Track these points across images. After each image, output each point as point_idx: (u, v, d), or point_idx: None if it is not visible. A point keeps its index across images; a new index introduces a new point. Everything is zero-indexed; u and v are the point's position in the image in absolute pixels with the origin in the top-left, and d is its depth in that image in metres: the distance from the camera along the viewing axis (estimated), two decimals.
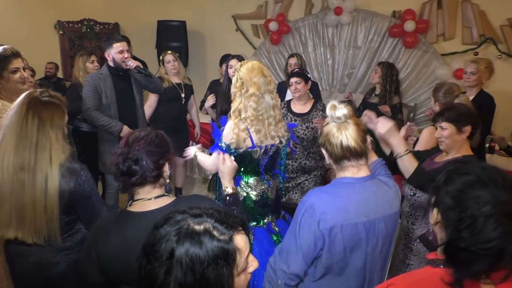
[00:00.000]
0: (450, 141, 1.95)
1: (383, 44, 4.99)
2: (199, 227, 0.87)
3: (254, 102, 2.16)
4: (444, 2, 4.68)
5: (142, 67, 3.20)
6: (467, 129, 1.93)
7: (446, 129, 1.95)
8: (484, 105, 3.15)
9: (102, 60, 5.66)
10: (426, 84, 4.86)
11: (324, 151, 1.53)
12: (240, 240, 0.91)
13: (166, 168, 1.43)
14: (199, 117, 4.27)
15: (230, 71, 3.45)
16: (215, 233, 0.87)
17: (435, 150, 2.14)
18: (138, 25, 6.23)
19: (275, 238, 2.33)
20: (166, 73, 3.87)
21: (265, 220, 2.35)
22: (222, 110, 3.47)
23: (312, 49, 5.40)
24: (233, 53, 4.54)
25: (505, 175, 0.98)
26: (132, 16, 6.29)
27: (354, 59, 5.19)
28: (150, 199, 1.38)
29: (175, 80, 3.87)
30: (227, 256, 0.86)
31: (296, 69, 3.35)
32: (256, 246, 2.23)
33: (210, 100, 3.73)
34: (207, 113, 3.99)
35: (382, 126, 1.82)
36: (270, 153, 2.27)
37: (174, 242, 0.85)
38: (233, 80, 2.22)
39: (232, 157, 1.94)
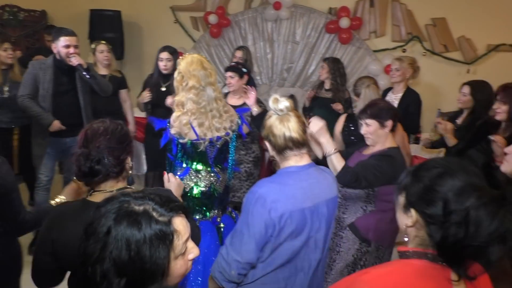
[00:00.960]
0: (375, 136, 2.09)
1: (320, 40, 5.15)
2: (138, 208, 0.90)
3: (194, 95, 2.17)
4: (375, 1, 4.92)
5: (85, 66, 3.04)
6: (389, 123, 2.07)
7: (370, 125, 2.07)
8: (411, 103, 3.40)
9: (28, 50, 5.26)
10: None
11: (267, 143, 1.58)
12: (180, 224, 0.94)
13: (128, 161, 1.43)
14: (136, 112, 4.12)
15: (161, 64, 3.40)
16: (154, 214, 0.89)
17: (363, 143, 2.25)
18: (69, 13, 5.84)
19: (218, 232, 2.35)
20: (95, 64, 3.67)
21: (211, 214, 2.38)
22: (152, 103, 3.40)
23: (252, 43, 5.42)
24: (171, 45, 4.45)
25: (467, 163, 1.02)
26: (61, 3, 5.89)
27: (293, 53, 5.30)
28: (112, 191, 1.37)
29: (103, 72, 3.67)
30: (164, 237, 0.89)
31: (232, 64, 3.38)
32: (202, 239, 2.24)
33: (146, 97, 3.53)
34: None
35: (314, 125, 1.88)
36: (218, 146, 2.29)
37: (112, 220, 0.88)
38: (175, 74, 2.23)
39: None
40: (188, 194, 2.30)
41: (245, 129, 2.47)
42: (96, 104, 3.34)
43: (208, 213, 2.37)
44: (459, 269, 0.95)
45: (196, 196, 2.32)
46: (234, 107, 3.17)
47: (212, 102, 2.23)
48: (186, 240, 0.95)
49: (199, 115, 2.19)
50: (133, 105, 4.03)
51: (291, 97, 3.65)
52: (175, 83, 2.23)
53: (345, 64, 5.05)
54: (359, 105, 2.96)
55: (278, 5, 5.00)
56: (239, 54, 3.96)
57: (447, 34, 4.77)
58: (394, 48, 4.96)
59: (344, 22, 4.84)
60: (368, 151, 2.16)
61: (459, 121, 2.86)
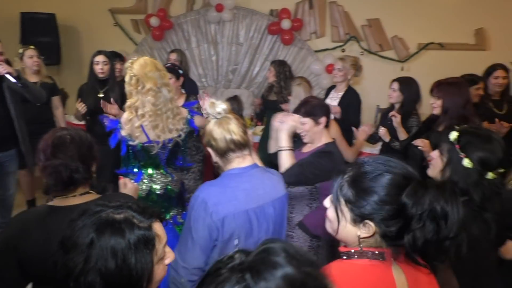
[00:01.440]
0: (312, 134, 2.16)
1: (263, 41, 5.23)
2: (119, 216, 0.91)
3: (152, 97, 2.17)
4: (314, 3, 5.08)
5: (15, 74, 2.80)
6: (323, 120, 2.16)
7: (305, 123, 2.15)
8: (352, 101, 3.54)
9: None
10: None
11: (210, 149, 1.58)
12: (159, 228, 0.97)
13: (93, 166, 1.46)
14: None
15: (97, 67, 3.29)
16: (135, 221, 0.92)
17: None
18: None
19: (178, 229, 2.36)
20: (23, 70, 3.46)
21: (171, 214, 2.39)
22: (90, 111, 3.29)
23: (196, 46, 5.40)
24: (112, 49, 4.30)
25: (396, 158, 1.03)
26: None
27: (237, 55, 5.34)
28: (75, 196, 1.38)
29: (33, 78, 3.46)
30: (148, 242, 0.91)
31: (168, 65, 3.34)
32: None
33: (81, 109, 3.30)
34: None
35: (289, 120, 1.98)
36: (169, 147, 2.29)
37: (94, 231, 0.88)
38: (126, 79, 2.19)
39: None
40: (145, 199, 2.29)
41: (197, 120, 2.44)
42: (27, 113, 3.14)
43: (167, 214, 2.38)
44: (419, 262, 0.99)
45: (153, 199, 2.32)
46: None
47: (168, 103, 2.24)
48: (165, 245, 0.98)
49: (155, 117, 2.19)
50: (70, 113, 3.87)
51: (235, 97, 3.68)
52: (129, 87, 2.19)
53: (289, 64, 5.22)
54: (292, 103, 3.06)
55: (220, 7, 5.02)
56: (173, 56, 3.95)
57: (381, 34, 5.03)
58: (334, 48, 5.15)
59: (286, 24, 4.95)
60: (307, 149, 2.23)
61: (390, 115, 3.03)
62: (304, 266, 0.67)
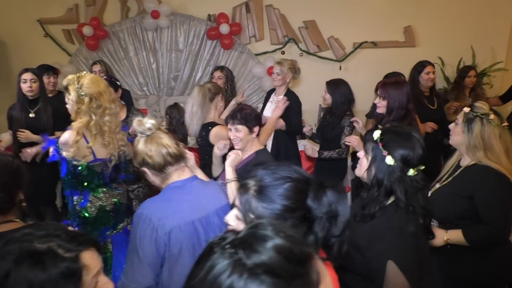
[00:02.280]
0: (245, 141, 2.18)
1: (203, 46, 5.19)
2: (42, 246, 0.84)
3: (109, 116, 2.10)
4: (251, 7, 5.11)
5: None
6: (257, 129, 2.18)
7: (240, 131, 2.16)
8: (292, 105, 3.58)
9: None
10: (246, 82, 5.25)
11: (145, 169, 1.54)
12: (89, 258, 0.89)
13: (20, 194, 1.40)
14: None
15: (25, 86, 3.10)
16: (59, 251, 0.85)
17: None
18: None
19: None
20: None
21: (121, 225, 2.36)
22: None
23: (134, 54, 5.25)
24: (45, 61, 4.08)
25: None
26: None
27: (178, 62, 5.26)
28: None
29: None
30: (71, 275, 0.85)
31: (105, 77, 3.25)
32: (117, 252, 2.23)
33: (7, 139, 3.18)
34: None
35: (231, 154, 2.10)
36: (114, 163, 2.23)
37: (12, 262, 0.82)
38: (72, 97, 2.05)
39: None
40: (95, 219, 2.22)
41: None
42: None
43: (118, 226, 2.35)
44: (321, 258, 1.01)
45: (104, 217, 2.26)
46: None
47: (115, 120, 2.18)
48: (97, 274, 0.91)
49: (109, 134, 2.13)
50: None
51: (175, 105, 3.63)
52: (78, 106, 2.05)
53: (230, 68, 5.22)
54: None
55: (156, 13, 4.91)
56: (96, 68, 3.85)
57: (318, 35, 5.16)
58: (274, 51, 5.21)
59: (224, 28, 4.94)
60: (244, 157, 2.24)
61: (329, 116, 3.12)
62: (290, 236, 0.71)
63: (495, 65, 5.04)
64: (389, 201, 1.47)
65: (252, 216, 1.02)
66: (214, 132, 2.72)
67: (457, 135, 1.94)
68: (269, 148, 3.75)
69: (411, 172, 1.44)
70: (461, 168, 1.95)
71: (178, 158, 1.54)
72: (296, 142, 3.74)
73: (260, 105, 4.21)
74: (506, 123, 1.88)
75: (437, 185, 2.03)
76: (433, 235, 1.58)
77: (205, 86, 2.91)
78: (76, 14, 5.26)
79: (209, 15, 5.16)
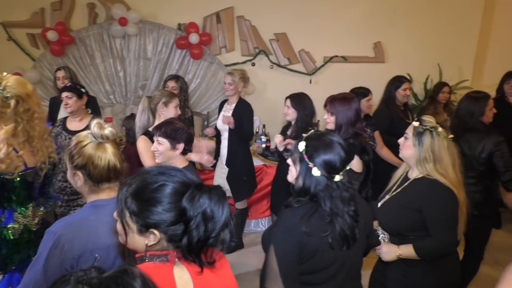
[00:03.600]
0: (165, 156, 2.10)
1: (172, 56, 5.10)
2: None
3: (39, 120, 1.96)
4: (222, 17, 5.08)
5: None
6: (180, 146, 2.10)
7: (161, 144, 2.09)
8: (244, 112, 3.59)
9: None
10: (216, 93, 5.20)
11: (80, 174, 1.41)
12: None
13: None
14: None
15: None
16: None
17: None
18: None
19: None
20: None
21: None
22: None
23: (101, 61, 5.12)
24: (7, 65, 3.93)
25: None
26: None
27: (146, 70, 5.15)
28: None
29: None
30: None
31: (69, 84, 3.13)
32: None
33: None
34: None
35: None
36: (43, 172, 2.06)
37: None
38: None
39: None
40: (17, 240, 2.00)
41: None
42: None
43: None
44: (200, 260, 1.06)
45: (31, 238, 2.05)
46: (76, 131, 2.92)
47: (43, 125, 2.04)
48: None
49: (38, 141, 1.98)
50: None
51: (131, 116, 3.54)
52: (7, 110, 1.86)
53: (200, 79, 5.17)
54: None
55: (124, 20, 4.81)
56: (61, 74, 3.73)
57: (289, 48, 5.15)
58: (244, 62, 5.17)
59: (194, 38, 4.88)
60: None
61: (289, 132, 3.06)
62: None
63: (461, 83, 5.12)
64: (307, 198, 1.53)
65: (127, 213, 1.05)
66: (138, 142, 2.65)
67: (408, 149, 1.96)
68: (224, 154, 3.73)
69: (337, 178, 1.48)
70: (410, 180, 1.99)
71: (119, 175, 1.46)
72: (248, 148, 3.77)
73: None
74: (452, 135, 1.92)
75: (387, 196, 2.04)
76: (348, 246, 1.52)
77: (152, 94, 2.87)
78: (41, 18, 5.10)
79: (179, 24, 5.09)
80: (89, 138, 1.42)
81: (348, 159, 1.51)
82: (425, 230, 1.87)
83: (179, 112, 2.89)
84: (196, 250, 1.04)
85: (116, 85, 5.20)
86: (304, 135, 1.57)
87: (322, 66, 5.21)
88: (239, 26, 5.12)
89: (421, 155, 1.87)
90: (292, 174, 1.57)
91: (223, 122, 3.63)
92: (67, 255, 1.30)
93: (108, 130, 1.41)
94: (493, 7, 5.15)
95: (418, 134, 1.88)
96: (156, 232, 1.03)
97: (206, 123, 5.09)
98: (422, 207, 1.84)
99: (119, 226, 1.10)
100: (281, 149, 2.98)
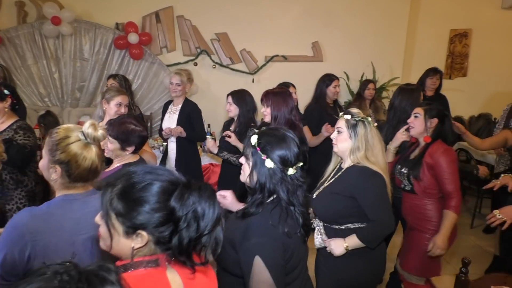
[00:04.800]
0: (114, 154, 2.09)
1: (111, 56, 4.96)
2: None
3: None
4: (161, 17, 5.02)
5: None
6: (131, 149, 2.10)
7: (111, 143, 2.08)
8: (192, 112, 3.58)
9: None
10: (158, 94, 5.13)
11: (59, 169, 1.38)
12: None
13: None
14: None
15: None
16: None
17: None
18: None
19: None
20: None
21: None
22: None
23: (33, 62, 4.85)
24: None
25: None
26: None
27: (83, 71, 4.96)
28: None
29: None
30: None
31: None
32: None
33: None
34: None
35: None
36: None
37: None
38: None
39: None
40: None
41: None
42: None
43: None
44: (192, 262, 1.01)
45: None
46: None
47: None
48: None
49: None
50: None
51: (48, 113, 3.42)
52: None
53: (141, 79, 5.06)
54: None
55: (57, 20, 4.60)
56: None
57: (230, 47, 5.21)
58: (186, 62, 5.16)
59: (133, 38, 4.78)
60: (112, 167, 2.13)
61: (232, 128, 3.11)
62: None
63: (393, 80, 5.48)
64: (269, 199, 1.49)
65: (113, 214, 0.99)
66: None
67: (343, 141, 2.02)
68: (173, 155, 3.68)
69: (290, 171, 1.48)
70: (343, 170, 2.06)
71: (96, 177, 1.44)
72: (197, 149, 3.76)
73: None
74: (376, 124, 2.06)
75: (321, 187, 2.12)
76: (307, 236, 1.60)
77: None
78: None
79: (117, 23, 4.96)
80: (78, 136, 1.40)
81: (301, 155, 1.51)
82: (358, 217, 1.96)
83: (123, 110, 2.82)
84: (188, 251, 0.99)
85: (51, 87, 4.96)
86: (256, 130, 1.57)
87: (264, 65, 5.33)
88: (180, 26, 5.09)
89: (355, 145, 1.97)
90: (245, 172, 1.52)
91: (173, 134, 3.54)
92: (28, 246, 1.28)
93: (100, 132, 1.40)
94: (417, 10, 5.56)
95: (352, 126, 1.97)
96: (144, 233, 0.97)
97: (149, 124, 5.00)
98: (355, 193, 1.94)
99: (103, 230, 1.02)
100: (214, 151, 3.04)
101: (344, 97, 5.29)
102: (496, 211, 2.18)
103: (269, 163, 1.45)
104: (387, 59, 5.53)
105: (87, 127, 1.40)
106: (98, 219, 1.05)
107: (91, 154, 1.40)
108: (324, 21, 5.34)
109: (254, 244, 1.38)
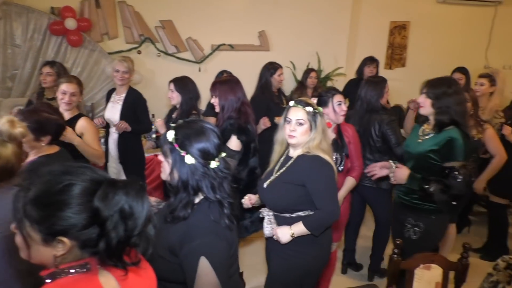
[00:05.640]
0: (28, 145, 1.95)
1: (46, 42, 4.64)
2: None
3: None
4: (102, 2, 4.78)
5: None
6: (47, 139, 1.97)
7: (26, 135, 1.96)
8: (137, 102, 3.48)
9: None
10: (100, 83, 4.91)
11: None
12: None
13: None
14: None
15: None
16: None
17: None
18: None
19: None
20: None
21: None
22: None
23: None
24: None
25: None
26: None
27: (15, 58, 4.61)
28: None
29: None
30: None
31: None
32: None
33: None
34: None
35: None
36: None
37: None
38: None
39: None
40: None
41: None
42: None
43: None
44: (123, 263, 0.96)
45: None
46: None
47: None
48: None
49: None
50: None
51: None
52: None
53: (80, 68, 4.81)
54: None
55: None
56: None
57: (176, 35, 5.08)
58: (129, 50, 4.96)
59: (70, 23, 4.51)
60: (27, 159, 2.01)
61: (174, 115, 3.06)
62: None
63: (337, 70, 5.63)
64: (199, 198, 1.44)
65: (27, 222, 0.92)
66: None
67: (304, 134, 2.03)
68: (113, 148, 3.56)
69: (213, 164, 1.42)
70: (293, 159, 2.08)
71: (11, 178, 1.34)
72: (140, 140, 3.67)
73: None
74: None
75: (272, 177, 2.13)
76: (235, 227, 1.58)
77: None
78: None
79: (52, 7, 4.65)
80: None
81: (222, 145, 1.47)
82: (308, 204, 2.01)
83: (67, 99, 2.68)
84: (118, 253, 0.94)
85: None
86: (172, 124, 1.49)
87: (210, 54, 5.26)
88: (121, 12, 4.87)
89: (312, 136, 2.00)
90: (165, 170, 1.44)
91: (117, 130, 3.40)
92: None
93: (19, 130, 1.33)
94: (360, 2, 5.72)
95: (313, 118, 2.00)
96: (65, 239, 0.91)
97: (91, 115, 4.77)
98: (305, 181, 1.97)
99: (18, 239, 0.95)
100: (162, 131, 2.98)
101: (290, 86, 5.36)
102: (392, 163, 2.35)
103: (189, 159, 1.38)
104: (331, 50, 5.66)
105: (2, 124, 1.30)
106: (13, 227, 0.96)
107: (7, 152, 1.30)
108: (270, 11, 5.36)
109: (198, 244, 1.31)
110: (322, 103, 2.51)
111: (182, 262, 1.34)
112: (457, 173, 2.18)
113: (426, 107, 2.36)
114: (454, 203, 2.43)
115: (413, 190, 2.34)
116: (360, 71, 4.76)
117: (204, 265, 1.28)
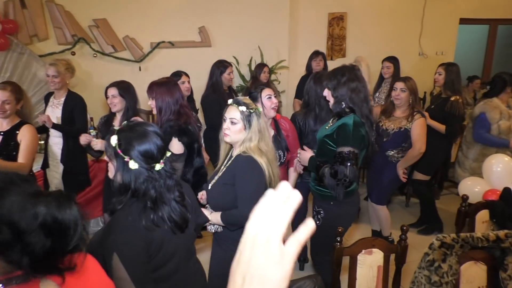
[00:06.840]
0: None
1: None
2: None
3: None
4: (27, 2, 4.49)
5: None
6: None
7: None
8: (76, 106, 3.33)
9: None
10: (32, 87, 4.62)
11: None
12: None
13: None
14: None
15: None
16: None
17: None
18: None
19: None
20: None
21: None
22: None
23: None
24: None
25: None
26: None
27: None
28: None
29: None
30: None
31: None
32: None
33: None
34: None
35: None
36: None
37: None
38: None
39: None
40: None
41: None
42: None
43: None
44: (58, 270, 0.92)
45: None
46: None
47: None
48: None
49: None
50: None
51: None
52: None
53: (10, 72, 4.51)
54: None
55: None
56: None
57: (112, 34, 4.90)
58: (62, 51, 4.72)
59: None
60: None
61: (117, 123, 2.95)
62: None
63: (280, 63, 5.69)
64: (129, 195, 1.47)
65: None
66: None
67: (237, 133, 2.01)
68: (55, 150, 3.43)
69: (158, 167, 1.45)
70: (232, 158, 2.07)
71: None
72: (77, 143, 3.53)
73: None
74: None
75: (215, 178, 2.12)
76: (182, 230, 1.58)
77: None
78: None
79: None
80: None
81: (166, 147, 1.49)
82: None
83: (6, 108, 2.57)
84: (49, 263, 0.90)
85: None
86: (116, 128, 1.49)
87: (150, 52, 5.12)
88: (51, 12, 4.61)
89: (248, 136, 1.98)
90: (111, 171, 1.48)
91: (39, 121, 3.25)
92: None
93: None
94: None
95: (247, 118, 1.97)
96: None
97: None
98: (235, 181, 1.97)
99: None
100: (96, 148, 2.91)
101: (235, 82, 5.35)
102: (299, 150, 2.52)
103: (133, 165, 1.41)
104: (273, 43, 5.69)
105: None
106: None
107: None
108: (209, 5, 5.29)
109: (111, 241, 1.38)
110: (253, 99, 2.51)
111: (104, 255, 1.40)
112: (345, 158, 2.20)
113: (330, 99, 2.41)
114: (347, 189, 2.36)
115: (317, 178, 2.41)
116: (308, 66, 4.86)
117: (115, 261, 1.35)
